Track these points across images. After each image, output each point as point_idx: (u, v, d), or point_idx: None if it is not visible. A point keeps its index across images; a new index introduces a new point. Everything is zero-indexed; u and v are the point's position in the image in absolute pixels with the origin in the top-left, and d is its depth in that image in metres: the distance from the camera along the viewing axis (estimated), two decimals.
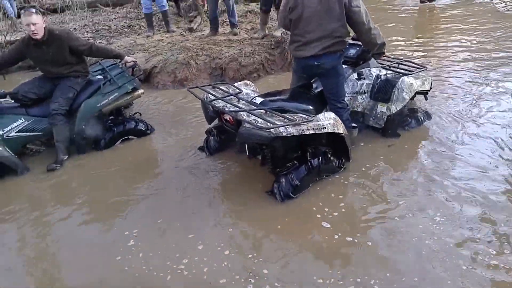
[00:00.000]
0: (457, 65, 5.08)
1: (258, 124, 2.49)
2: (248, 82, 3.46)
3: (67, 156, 3.56)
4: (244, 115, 2.66)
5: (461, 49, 5.69)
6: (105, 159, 3.58)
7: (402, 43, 6.28)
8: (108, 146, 3.72)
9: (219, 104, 2.84)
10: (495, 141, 3.29)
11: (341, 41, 2.97)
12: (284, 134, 2.49)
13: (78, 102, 3.60)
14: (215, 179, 3.15)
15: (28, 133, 3.51)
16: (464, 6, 8.02)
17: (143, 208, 2.87)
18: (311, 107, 3.05)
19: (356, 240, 2.39)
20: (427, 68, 3.70)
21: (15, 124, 3.44)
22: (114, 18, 8.05)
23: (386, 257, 2.25)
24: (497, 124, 3.55)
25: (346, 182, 2.97)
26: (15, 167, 3.37)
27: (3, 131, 3.38)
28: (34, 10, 3.33)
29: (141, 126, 3.92)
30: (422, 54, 5.69)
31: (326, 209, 2.67)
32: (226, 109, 2.75)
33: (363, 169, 3.09)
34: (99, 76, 3.86)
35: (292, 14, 3.03)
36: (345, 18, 2.87)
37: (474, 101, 4.02)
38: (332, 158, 2.95)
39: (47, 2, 10.18)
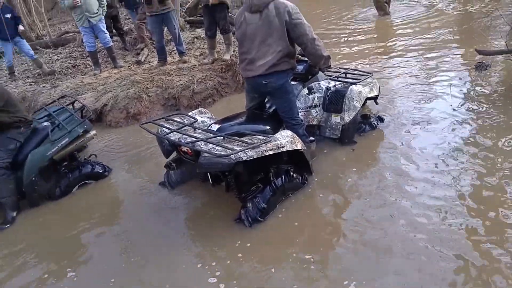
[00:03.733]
0: (402, 69, 5.30)
1: (217, 152, 2.47)
2: (203, 109, 3.43)
3: (15, 212, 3.33)
4: (202, 145, 2.62)
5: (406, 53, 5.94)
6: (61, 209, 3.40)
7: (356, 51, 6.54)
8: (64, 194, 3.54)
9: (175, 136, 2.78)
10: (442, 141, 3.42)
11: (288, 60, 2.99)
12: (244, 158, 2.47)
13: (24, 153, 3.38)
14: (182, 214, 3.08)
15: None
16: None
17: (114, 250, 2.77)
18: (268, 127, 3.07)
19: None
20: (372, 74, 3.83)
21: None
22: (57, 59, 7.77)
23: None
24: (441, 124, 3.69)
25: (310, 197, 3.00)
26: None
27: None
28: None
29: (98, 169, 3.76)
30: (370, 60, 5.93)
31: (296, 233, 2.67)
32: (182, 140, 2.69)
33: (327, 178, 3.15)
34: (45, 123, 3.64)
35: (237, 32, 3.08)
36: (286, 34, 2.90)
37: (419, 102, 4.20)
38: (294, 175, 2.96)
39: None
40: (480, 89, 4.27)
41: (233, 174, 2.83)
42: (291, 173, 2.93)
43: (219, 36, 6.21)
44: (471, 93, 4.23)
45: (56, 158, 3.51)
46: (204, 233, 2.80)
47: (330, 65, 3.24)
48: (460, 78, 4.61)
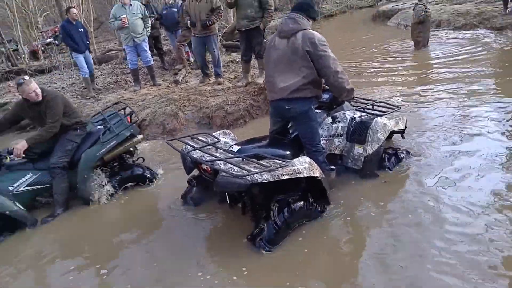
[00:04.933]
0: (434, 105, 5.12)
1: (234, 172, 2.53)
2: (227, 131, 3.54)
3: (62, 209, 3.66)
4: (221, 164, 2.70)
5: (439, 91, 5.69)
6: (105, 210, 3.67)
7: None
8: (115, 189, 3.83)
9: (196, 154, 2.90)
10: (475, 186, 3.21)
11: (312, 88, 3.05)
12: (259, 180, 2.51)
13: (80, 153, 3.72)
14: (198, 231, 3.15)
15: (36, 187, 3.64)
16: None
17: (130, 263, 2.90)
18: (288, 152, 3.11)
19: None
20: (400, 108, 3.78)
21: (23, 179, 3.58)
22: (101, 74, 8.31)
23: None
24: (474, 165, 3.48)
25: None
26: (25, 220, 3.48)
27: (12, 186, 3.51)
28: (31, 79, 3.58)
29: (147, 173, 4.03)
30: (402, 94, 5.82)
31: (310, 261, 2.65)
32: (203, 159, 2.79)
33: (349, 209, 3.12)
34: (99, 126, 3.99)
35: (265, 56, 3.22)
36: (311, 62, 2.97)
37: (451, 139, 4.03)
38: (313, 202, 2.95)
39: (34, 64, 10.54)
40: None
41: (249, 195, 2.88)
42: (310, 200, 2.93)
43: (253, 61, 6.40)
44: (496, 127, 4.07)
45: (106, 159, 3.81)
46: (214, 251, 2.87)
47: (353, 98, 3.26)
48: (498, 115, 4.41)
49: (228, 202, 3.11)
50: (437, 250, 2.54)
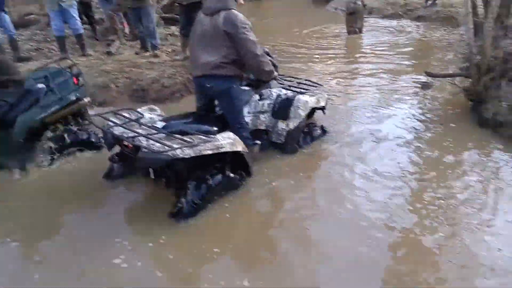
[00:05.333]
0: (358, 87, 5.50)
1: (155, 148, 2.57)
2: (153, 107, 3.52)
3: None
4: (142, 140, 2.71)
5: (365, 75, 6.09)
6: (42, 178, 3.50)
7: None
8: (58, 152, 3.61)
9: (118, 130, 2.89)
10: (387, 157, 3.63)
11: (233, 67, 3.12)
12: (181, 156, 2.59)
13: (13, 115, 3.39)
14: (119, 206, 3.15)
15: None
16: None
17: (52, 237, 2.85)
18: (214, 128, 3.17)
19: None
20: (322, 85, 4.05)
21: None
22: (18, 40, 7.58)
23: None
24: (387, 141, 3.91)
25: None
26: None
27: None
28: None
29: (93, 138, 3.80)
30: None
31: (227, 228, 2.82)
32: (124, 135, 2.80)
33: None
34: (40, 85, 3.55)
35: (192, 31, 3.27)
36: (231, 43, 3.04)
37: (368, 117, 4.43)
38: (232, 175, 3.10)
39: None
40: (426, 106, 4.62)
41: (173, 170, 2.93)
42: (227, 173, 3.06)
43: None
44: (418, 111, 4.52)
45: (48, 121, 3.55)
46: (135, 225, 2.92)
47: (275, 77, 3.41)
48: (410, 98, 4.90)
49: (152, 176, 3.07)
50: (348, 212, 2.88)
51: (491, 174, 3.24)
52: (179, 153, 2.58)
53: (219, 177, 3.02)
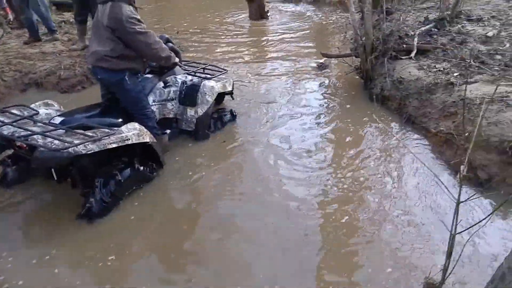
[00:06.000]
0: (266, 70, 5.74)
1: (53, 146, 2.41)
2: (49, 101, 3.29)
3: None
4: (38, 139, 2.52)
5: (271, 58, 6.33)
6: None
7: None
8: None
9: (8, 130, 2.64)
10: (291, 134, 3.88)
11: (121, 61, 3.01)
12: (84, 152, 2.46)
13: None
14: (21, 214, 2.90)
15: None
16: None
17: None
18: (119, 120, 3.11)
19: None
20: (227, 71, 4.15)
21: None
22: None
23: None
24: (291, 120, 4.17)
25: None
26: None
27: None
28: None
29: None
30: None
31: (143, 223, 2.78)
32: (16, 134, 2.58)
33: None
34: None
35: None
36: (115, 37, 2.94)
37: (273, 100, 4.64)
38: (142, 168, 3.04)
39: None
40: (325, 84, 4.99)
41: (77, 168, 2.78)
42: (136, 166, 2.99)
43: (90, 23, 5.97)
44: (319, 90, 4.87)
45: None
46: (27, 238, 2.70)
47: (174, 63, 3.37)
48: (311, 79, 5.24)
49: (56, 178, 2.90)
50: (266, 193, 3.03)
51: (384, 145, 3.66)
52: (81, 149, 2.45)
53: (128, 171, 2.93)
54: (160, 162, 3.24)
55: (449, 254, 1.52)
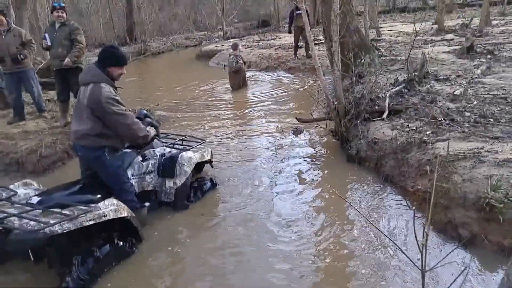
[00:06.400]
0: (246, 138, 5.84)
1: (29, 227, 2.40)
2: (28, 181, 3.32)
3: None
4: (14, 221, 2.52)
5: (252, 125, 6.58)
6: None
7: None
8: None
9: None
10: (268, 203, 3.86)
11: (100, 139, 3.10)
12: (60, 231, 2.46)
13: None
14: None
15: None
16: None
17: None
18: (98, 196, 3.09)
19: None
20: (205, 141, 4.25)
21: None
22: None
23: None
24: (276, 187, 4.15)
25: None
26: None
27: None
28: None
29: None
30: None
31: None
32: None
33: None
34: None
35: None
36: (95, 117, 3.04)
37: (254, 166, 4.70)
38: (121, 243, 2.98)
39: None
40: (303, 149, 5.07)
41: (55, 248, 2.74)
42: (115, 241, 2.95)
43: (73, 100, 6.14)
44: (297, 155, 4.94)
45: None
46: None
47: (151, 140, 3.44)
48: (288, 145, 5.33)
49: (32, 258, 2.78)
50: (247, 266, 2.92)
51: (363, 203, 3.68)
52: (57, 228, 2.46)
53: (107, 247, 2.89)
54: (139, 236, 3.18)
55: None
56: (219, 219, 3.59)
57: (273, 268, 2.88)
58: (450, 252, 2.30)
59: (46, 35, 5.58)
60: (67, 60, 5.45)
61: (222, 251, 3.13)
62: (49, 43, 5.53)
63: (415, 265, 1.38)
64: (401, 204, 3.56)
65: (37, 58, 10.53)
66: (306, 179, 4.26)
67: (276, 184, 4.19)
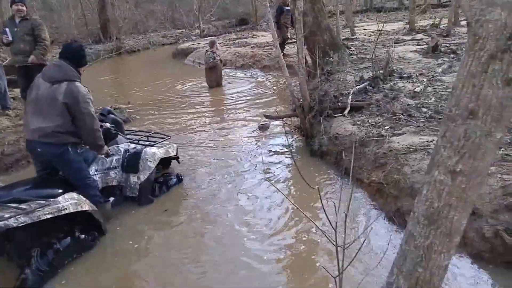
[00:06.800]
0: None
1: None
2: None
3: None
4: None
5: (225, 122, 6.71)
6: None
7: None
8: None
9: None
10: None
11: (67, 136, 3.11)
12: (15, 225, 2.49)
13: None
14: None
15: None
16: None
17: None
18: (59, 190, 3.09)
19: None
20: (170, 137, 4.32)
21: None
22: None
23: None
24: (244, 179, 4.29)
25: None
26: None
27: None
28: None
29: None
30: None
31: None
32: None
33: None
34: None
35: (28, 93, 3.18)
36: (68, 114, 3.06)
37: (222, 162, 4.81)
38: (82, 236, 3.04)
39: None
40: (269, 144, 5.20)
41: (13, 241, 2.77)
42: (77, 234, 3.00)
43: None
44: (265, 150, 5.06)
45: None
46: None
47: (101, 152, 3.43)
48: (258, 140, 5.47)
49: None
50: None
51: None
52: (12, 222, 2.48)
53: (68, 240, 2.94)
54: (102, 229, 3.24)
55: None
56: (183, 215, 3.66)
57: (235, 261, 2.95)
58: (370, 224, 2.38)
59: (7, 29, 5.43)
60: (32, 57, 5.39)
61: (184, 245, 3.22)
62: (10, 39, 5.39)
63: (331, 241, 1.50)
64: (357, 194, 3.73)
65: (1, 55, 10.35)
66: (270, 173, 4.39)
67: (243, 180, 4.27)
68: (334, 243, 1.47)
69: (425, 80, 6.02)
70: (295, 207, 3.41)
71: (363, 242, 1.93)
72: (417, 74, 6.39)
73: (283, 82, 8.86)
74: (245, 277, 2.78)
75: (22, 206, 2.65)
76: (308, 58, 7.20)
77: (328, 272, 1.86)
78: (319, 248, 3.04)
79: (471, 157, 1.16)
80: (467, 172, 1.19)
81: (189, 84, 9.49)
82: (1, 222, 2.43)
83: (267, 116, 5.32)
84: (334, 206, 1.53)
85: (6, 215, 2.49)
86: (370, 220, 3.23)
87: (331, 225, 1.46)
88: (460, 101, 1.18)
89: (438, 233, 1.28)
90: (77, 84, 3.11)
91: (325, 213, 1.60)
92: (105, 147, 3.41)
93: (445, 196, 1.22)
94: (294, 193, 3.97)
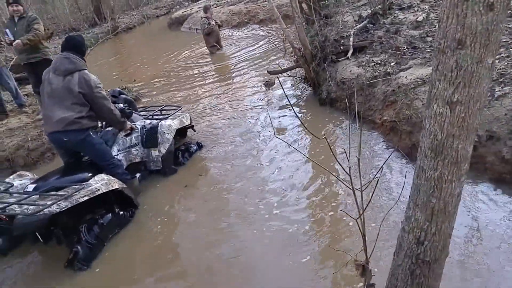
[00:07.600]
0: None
1: (30, 211, 2.63)
2: (23, 172, 3.53)
3: None
4: (15, 208, 2.75)
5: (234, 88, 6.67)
6: None
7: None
8: None
9: None
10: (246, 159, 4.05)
11: (87, 121, 3.31)
12: (58, 210, 2.69)
13: None
14: (19, 276, 3.08)
15: None
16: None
17: None
18: (89, 174, 3.28)
19: None
20: (181, 108, 4.43)
21: None
22: None
23: None
24: (247, 143, 4.35)
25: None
26: None
27: None
28: None
29: None
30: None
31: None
32: None
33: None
34: None
35: (41, 90, 3.37)
36: (85, 101, 3.27)
37: (236, 124, 4.88)
38: (121, 212, 3.28)
39: None
40: (278, 99, 5.24)
41: (59, 226, 2.99)
42: (116, 210, 3.24)
43: None
44: (274, 106, 5.12)
45: None
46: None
47: (125, 127, 3.70)
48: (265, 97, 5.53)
49: (41, 240, 3.09)
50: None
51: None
52: (55, 208, 2.68)
53: (109, 215, 3.18)
54: (134, 204, 3.46)
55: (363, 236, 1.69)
56: (205, 179, 3.83)
57: (261, 235, 2.94)
58: (384, 163, 2.46)
59: (7, 30, 5.51)
60: (17, 41, 5.23)
61: (212, 211, 3.35)
62: (12, 38, 5.46)
63: (347, 186, 1.61)
64: (371, 135, 3.82)
65: (7, 54, 10.38)
66: (281, 129, 4.47)
67: (261, 138, 4.34)
68: (350, 187, 1.58)
69: (427, 7, 5.84)
70: (312, 161, 3.52)
71: (377, 182, 2.01)
72: (418, 2, 6.19)
73: (281, 34, 8.71)
74: (274, 239, 2.84)
75: (60, 192, 2.85)
76: (304, 5, 7.03)
77: (349, 215, 1.95)
78: (339, 195, 3.15)
79: (465, 86, 1.22)
80: (464, 101, 1.24)
81: (190, 52, 9.40)
82: (46, 209, 2.63)
83: (270, 72, 5.33)
84: (345, 152, 1.63)
85: (49, 203, 2.68)
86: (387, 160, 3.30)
87: (344, 170, 1.56)
88: (447, 33, 1.23)
89: (446, 163, 1.34)
90: (86, 71, 3.32)
91: (336, 159, 1.70)
92: (127, 121, 3.67)
93: (447, 127, 1.28)
94: (307, 146, 4.07)
